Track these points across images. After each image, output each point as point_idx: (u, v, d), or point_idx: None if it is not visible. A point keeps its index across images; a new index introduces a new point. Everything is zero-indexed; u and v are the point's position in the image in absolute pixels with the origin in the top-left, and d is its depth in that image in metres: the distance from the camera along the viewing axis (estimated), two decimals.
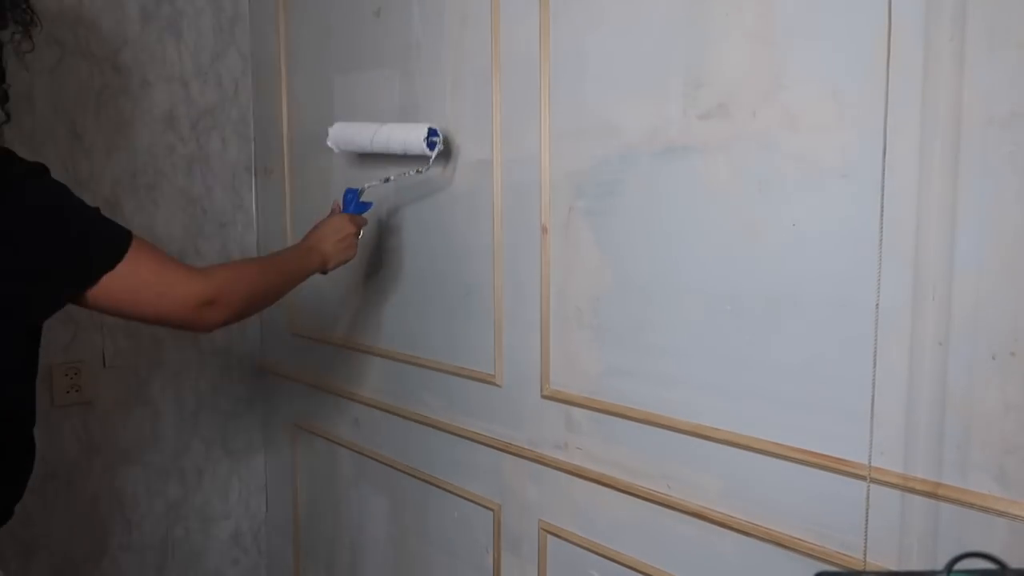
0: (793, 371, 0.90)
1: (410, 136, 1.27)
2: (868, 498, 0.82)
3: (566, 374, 1.17)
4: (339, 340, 1.62)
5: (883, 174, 0.79)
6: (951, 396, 0.78)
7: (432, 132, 1.26)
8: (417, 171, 1.29)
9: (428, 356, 1.41)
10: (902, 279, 0.80)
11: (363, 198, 1.34)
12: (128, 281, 0.94)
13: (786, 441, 0.91)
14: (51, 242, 0.90)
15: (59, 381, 1.60)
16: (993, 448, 0.76)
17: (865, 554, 0.83)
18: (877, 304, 0.80)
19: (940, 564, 0.52)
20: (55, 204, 0.91)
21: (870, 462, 0.82)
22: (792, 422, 0.91)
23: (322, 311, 1.67)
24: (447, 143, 1.29)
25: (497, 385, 1.28)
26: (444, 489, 1.40)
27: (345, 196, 1.34)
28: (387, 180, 1.32)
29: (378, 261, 1.50)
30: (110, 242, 0.94)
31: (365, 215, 1.34)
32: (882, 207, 0.79)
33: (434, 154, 1.27)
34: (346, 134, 1.38)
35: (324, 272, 1.28)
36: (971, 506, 0.77)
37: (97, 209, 0.96)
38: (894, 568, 0.83)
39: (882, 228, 0.79)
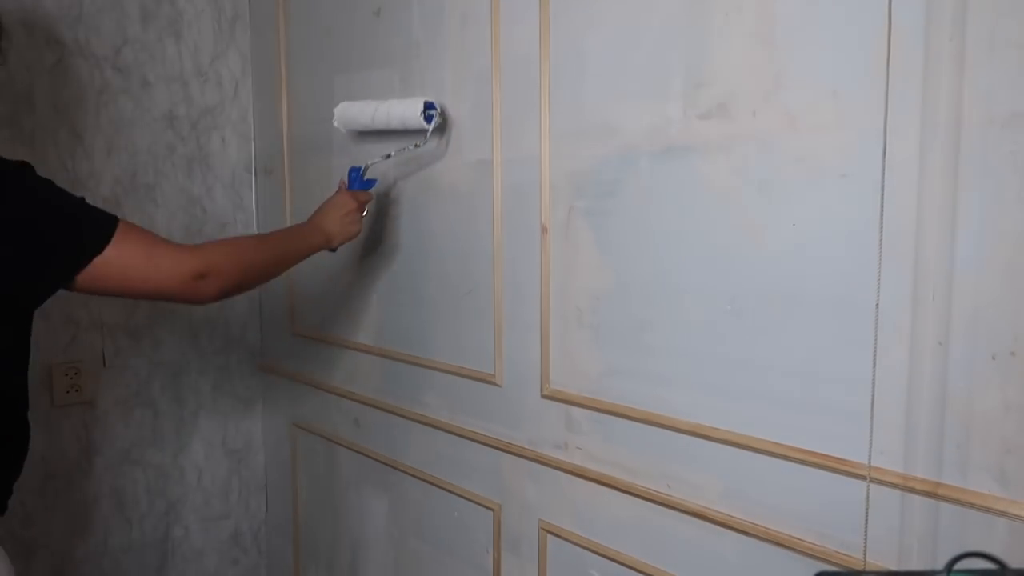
0: (793, 371, 0.90)
1: (407, 111, 1.28)
2: (868, 498, 0.82)
3: (566, 374, 1.17)
4: (339, 340, 1.62)
5: (883, 174, 0.79)
6: (951, 396, 0.78)
7: (429, 105, 1.27)
8: (415, 145, 1.30)
9: (428, 356, 1.41)
10: (902, 279, 0.80)
11: (367, 175, 1.36)
12: (118, 263, 0.97)
13: (786, 441, 0.91)
14: (40, 231, 0.94)
15: (59, 381, 1.60)
16: (993, 448, 0.76)
17: (865, 554, 0.83)
18: (877, 304, 0.80)
19: (940, 564, 0.52)
20: (41, 196, 0.95)
21: (870, 462, 0.82)
22: (792, 422, 0.91)
23: (322, 311, 1.67)
24: (443, 116, 1.30)
25: (497, 385, 1.28)
26: (444, 489, 1.40)
27: (349, 174, 1.36)
28: (388, 156, 1.33)
29: (378, 261, 1.50)
30: (97, 227, 0.97)
31: (371, 191, 1.36)
32: (882, 207, 0.79)
33: (431, 127, 1.27)
34: (350, 113, 1.40)
35: (332, 249, 1.32)
36: (971, 506, 0.77)
37: (83, 198, 0.99)
38: (894, 568, 0.83)
39: (882, 228, 0.79)
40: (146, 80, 1.68)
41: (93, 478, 1.67)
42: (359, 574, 1.64)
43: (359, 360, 1.58)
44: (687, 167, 0.99)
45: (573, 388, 1.16)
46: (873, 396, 0.81)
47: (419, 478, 1.45)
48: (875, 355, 0.81)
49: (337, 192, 1.34)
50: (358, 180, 1.35)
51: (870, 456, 0.82)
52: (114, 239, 0.97)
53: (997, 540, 0.76)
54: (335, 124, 1.42)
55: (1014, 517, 0.75)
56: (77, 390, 1.62)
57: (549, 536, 1.22)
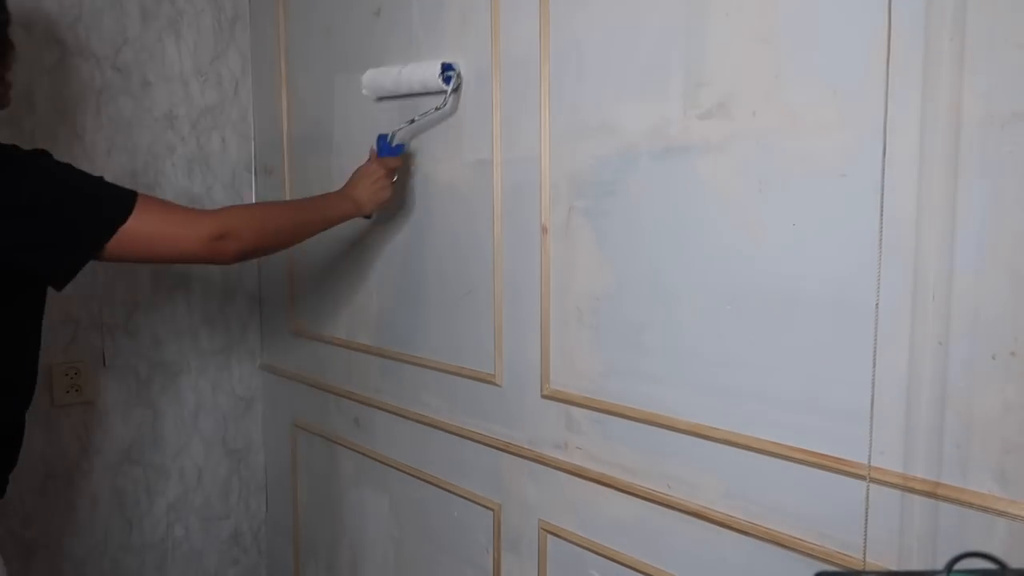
0: (793, 371, 0.90)
1: (426, 74, 1.30)
2: (868, 498, 0.82)
3: (566, 374, 1.17)
4: (339, 340, 1.62)
5: (883, 174, 0.79)
6: (951, 396, 0.78)
7: (446, 67, 1.28)
8: (436, 108, 1.30)
9: (428, 356, 1.41)
10: (902, 279, 0.80)
11: (394, 142, 1.36)
12: (142, 230, 1.04)
13: (786, 441, 0.91)
14: (64, 209, 1.01)
15: (59, 381, 1.60)
16: (993, 448, 0.76)
17: (864, 554, 0.83)
18: (877, 304, 0.80)
19: (940, 564, 0.52)
20: (61, 177, 1.03)
21: (870, 462, 0.82)
22: (792, 422, 0.91)
23: (322, 311, 1.67)
24: (460, 77, 1.30)
25: (497, 385, 1.28)
26: (444, 489, 1.40)
27: (378, 142, 1.36)
28: (412, 121, 1.34)
29: (378, 261, 1.50)
30: (119, 199, 1.04)
31: (400, 157, 1.37)
32: (882, 207, 0.79)
33: (450, 88, 1.28)
34: (376, 80, 1.41)
35: (367, 216, 1.36)
36: (971, 506, 0.77)
37: (101, 177, 1.06)
38: (894, 568, 0.83)
39: (882, 228, 0.79)
40: (146, 80, 1.68)
41: (93, 478, 1.67)
42: (359, 574, 1.64)
43: (359, 360, 1.58)
44: (687, 167, 0.99)
45: (573, 388, 1.16)
46: (873, 396, 0.81)
47: (419, 478, 1.45)
48: (875, 355, 0.81)
49: (367, 161, 1.36)
50: (387, 147, 1.36)
51: (870, 456, 0.82)
52: (135, 209, 1.04)
53: (997, 540, 0.76)
54: (363, 92, 1.43)
55: (1014, 517, 0.75)
56: (77, 390, 1.62)
57: (549, 536, 1.22)
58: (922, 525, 0.81)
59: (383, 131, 1.37)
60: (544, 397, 1.20)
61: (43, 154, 1.03)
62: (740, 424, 0.96)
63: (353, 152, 1.53)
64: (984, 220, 0.75)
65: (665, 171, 1.01)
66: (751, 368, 0.94)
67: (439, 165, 1.35)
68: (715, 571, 1.01)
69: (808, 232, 0.88)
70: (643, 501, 1.07)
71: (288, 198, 1.73)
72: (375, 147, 1.37)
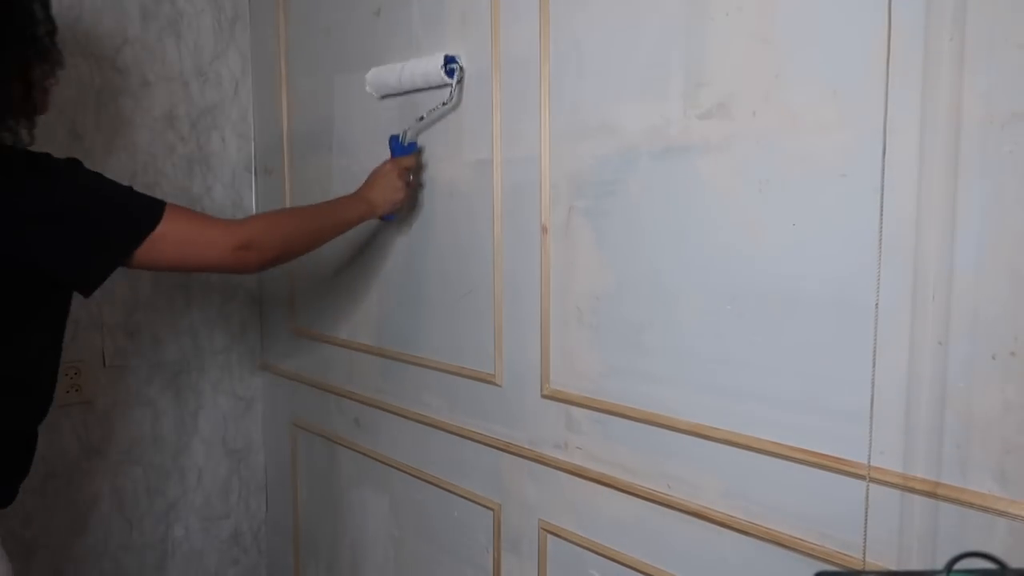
0: (793, 371, 0.90)
1: (429, 67, 1.29)
2: (868, 498, 0.82)
3: (566, 374, 1.17)
4: (339, 340, 1.62)
5: (883, 174, 0.79)
6: (951, 396, 0.78)
7: (449, 59, 1.28)
8: (444, 103, 1.30)
9: (428, 356, 1.41)
10: (902, 279, 0.80)
11: (406, 141, 1.36)
12: (169, 238, 1.07)
13: (786, 441, 0.91)
14: (97, 215, 1.04)
15: (59, 381, 1.60)
16: (993, 448, 0.76)
17: (864, 554, 0.83)
18: (877, 304, 0.80)
19: (940, 564, 0.52)
20: (95, 184, 1.06)
21: (869, 462, 0.82)
22: (792, 422, 0.91)
23: (322, 311, 1.67)
24: (462, 69, 1.29)
25: (497, 385, 1.28)
26: (444, 489, 1.40)
27: (390, 143, 1.37)
28: (421, 119, 1.34)
29: (379, 261, 1.50)
30: (148, 208, 1.07)
31: (413, 155, 1.36)
32: (882, 207, 0.79)
33: (454, 81, 1.28)
34: (379, 78, 1.41)
35: (382, 218, 1.37)
36: (971, 506, 0.77)
37: (131, 187, 1.09)
38: (894, 568, 0.83)
39: (882, 228, 0.79)
40: (146, 80, 1.68)
41: (93, 478, 1.67)
42: (359, 574, 1.64)
43: (359, 360, 1.58)
44: (687, 167, 0.99)
45: (573, 388, 1.16)
46: (873, 396, 0.81)
47: (419, 478, 1.45)
48: (875, 355, 0.81)
49: (383, 162, 1.36)
50: (399, 147, 1.36)
51: (870, 456, 0.82)
52: (164, 218, 1.07)
53: (997, 540, 0.76)
54: (368, 90, 1.43)
55: (1014, 517, 0.75)
56: (77, 390, 1.62)
57: (549, 536, 1.22)
58: (922, 525, 0.81)
59: (386, 131, 1.37)
60: (544, 397, 1.20)
61: (75, 162, 1.05)
62: (740, 424, 0.96)
63: (353, 152, 1.53)
64: (984, 220, 0.75)
65: (665, 171, 1.01)
66: (751, 368, 0.94)
67: (439, 165, 1.35)
68: (715, 571, 1.01)
69: (808, 232, 0.88)
70: (643, 501, 1.07)
71: (288, 198, 1.74)
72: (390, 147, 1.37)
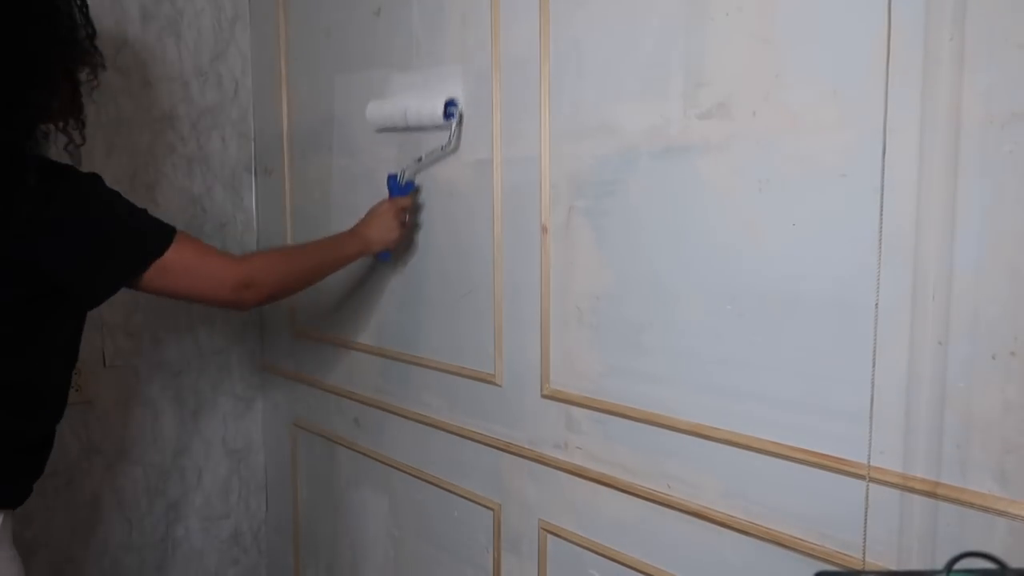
0: (793, 371, 0.90)
1: (429, 110, 1.30)
2: (867, 498, 0.82)
3: (566, 374, 1.17)
4: (339, 340, 1.62)
5: (883, 174, 0.79)
6: (951, 396, 0.78)
7: (449, 103, 1.28)
8: (442, 148, 1.31)
9: (428, 356, 1.41)
10: (902, 279, 0.80)
11: (403, 180, 1.37)
12: (175, 267, 1.09)
13: (786, 441, 0.91)
14: (112, 233, 1.06)
15: None
16: (993, 448, 0.76)
17: (864, 553, 0.83)
18: (877, 304, 0.80)
19: (940, 564, 0.52)
20: (114, 203, 1.08)
21: (869, 462, 0.82)
22: (792, 422, 0.91)
23: (322, 311, 1.67)
24: (461, 113, 1.30)
25: (497, 385, 1.28)
26: (444, 489, 1.40)
27: (388, 183, 1.37)
28: (419, 160, 1.35)
29: (378, 261, 1.50)
30: (159, 234, 1.09)
31: (410, 196, 1.37)
32: (882, 207, 0.79)
33: (454, 124, 1.29)
34: (380, 112, 1.42)
35: (377, 256, 1.40)
36: (971, 506, 0.77)
37: (145, 209, 1.11)
38: (894, 568, 0.83)
39: (882, 228, 0.79)
40: (146, 80, 1.67)
41: (93, 478, 1.67)
42: (359, 574, 1.64)
43: (359, 360, 1.58)
44: (687, 167, 0.99)
45: (573, 388, 1.16)
46: (873, 396, 0.81)
47: (419, 478, 1.45)
48: (875, 355, 0.81)
49: (380, 201, 1.38)
50: (396, 187, 1.37)
51: (869, 456, 0.82)
52: (173, 245, 1.09)
53: (997, 540, 0.76)
54: (367, 120, 1.44)
55: (1014, 517, 0.75)
56: (77, 390, 1.62)
57: (549, 536, 1.22)
58: (922, 525, 0.81)
59: (387, 131, 1.37)
60: (544, 397, 1.20)
61: (96, 178, 1.07)
62: (740, 424, 0.96)
63: (353, 152, 1.53)
64: (984, 220, 0.75)
65: (665, 171, 1.01)
66: (751, 368, 0.94)
67: (439, 165, 1.35)
68: (715, 571, 1.01)
69: (808, 232, 0.88)
70: (643, 501, 1.07)
71: (288, 198, 1.74)
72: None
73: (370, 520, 1.59)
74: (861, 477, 0.83)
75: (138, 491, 1.74)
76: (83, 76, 1.12)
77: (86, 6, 1.10)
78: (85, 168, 1.59)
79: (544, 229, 1.17)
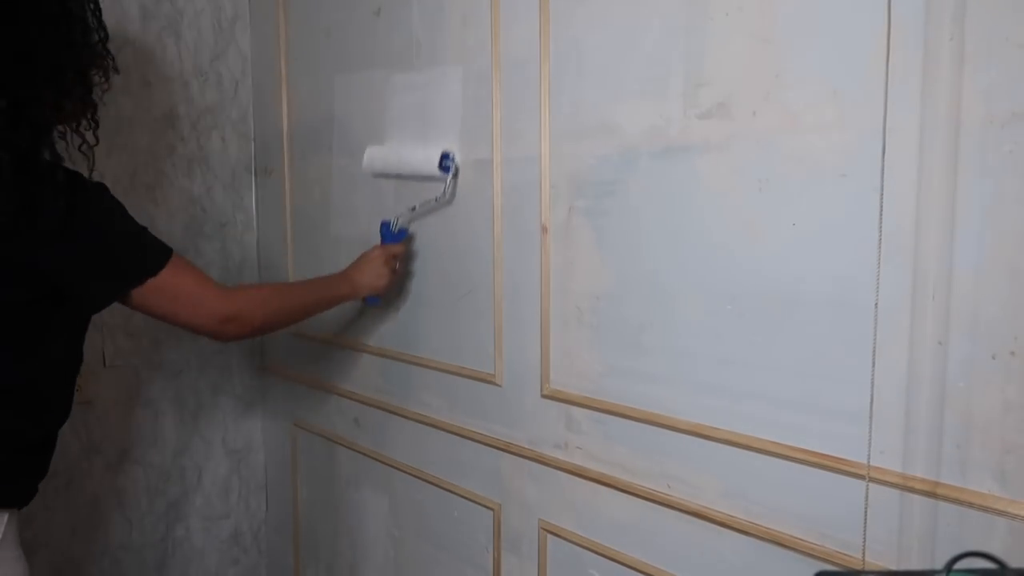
0: (793, 371, 0.90)
1: (425, 160, 1.31)
2: (867, 498, 0.82)
3: (566, 374, 1.17)
4: (339, 340, 1.62)
5: (883, 174, 0.79)
6: (951, 396, 0.78)
7: (445, 156, 1.29)
8: (436, 199, 1.32)
9: (428, 356, 1.41)
10: (902, 279, 0.80)
11: (396, 228, 1.38)
12: (167, 288, 1.10)
13: (786, 441, 0.91)
14: (114, 245, 1.08)
15: None
16: (993, 448, 0.76)
17: (864, 553, 0.83)
18: (876, 304, 0.80)
19: (939, 564, 0.52)
20: (119, 214, 1.09)
21: (869, 461, 0.82)
22: (792, 422, 0.91)
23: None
24: (457, 165, 1.31)
25: (497, 385, 1.28)
26: (444, 489, 1.40)
27: (381, 229, 1.39)
28: (413, 209, 1.36)
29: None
30: (156, 253, 1.11)
31: (402, 243, 1.38)
32: (881, 207, 0.79)
33: (449, 176, 1.29)
34: (376, 158, 1.43)
35: (365, 301, 1.41)
36: (971, 506, 0.77)
37: (145, 227, 1.12)
38: (894, 568, 0.83)
39: (881, 228, 0.79)
40: (146, 80, 1.67)
41: (93, 478, 1.67)
42: (359, 574, 1.64)
43: (359, 360, 1.58)
44: (687, 167, 0.99)
45: (573, 388, 1.16)
46: (872, 396, 0.81)
47: (419, 478, 1.45)
48: (874, 355, 0.81)
49: (372, 247, 1.39)
50: (389, 234, 1.38)
51: (869, 456, 0.82)
52: (168, 266, 1.10)
53: (997, 540, 0.76)
54: (363, 168, 1.45)
55: (1014, 517, 0.75)
56: (77, 390, 1.61)
57: (549, 536, 1.22)
58: (922, 525, 0.81)
59: (387, 132, 1.37)
60: (544, 397, 1.20)
61: (102, 187, 1.08)
62: (740, 424, 0.96)
63: (353, 152, 1.53)
64: (984, 220, 0.75)
65: (665, 171, 1.01)
66: (751, 368, 0.94)
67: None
68: (715, 571, 1.01)
69: (808, 232, 0.88)
70: (643, 501, 1.07)
71: (288, 198, 1.74)
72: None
73: (370, 520, 1.59)
74: (861, 477, 0.83)
75: (138, 491, 1.74)
76: (96, 78, 1.14)
77: (99, 10, 1.11)
78: (84, 167, 1.59)
79: (544, 229, 1.17)
